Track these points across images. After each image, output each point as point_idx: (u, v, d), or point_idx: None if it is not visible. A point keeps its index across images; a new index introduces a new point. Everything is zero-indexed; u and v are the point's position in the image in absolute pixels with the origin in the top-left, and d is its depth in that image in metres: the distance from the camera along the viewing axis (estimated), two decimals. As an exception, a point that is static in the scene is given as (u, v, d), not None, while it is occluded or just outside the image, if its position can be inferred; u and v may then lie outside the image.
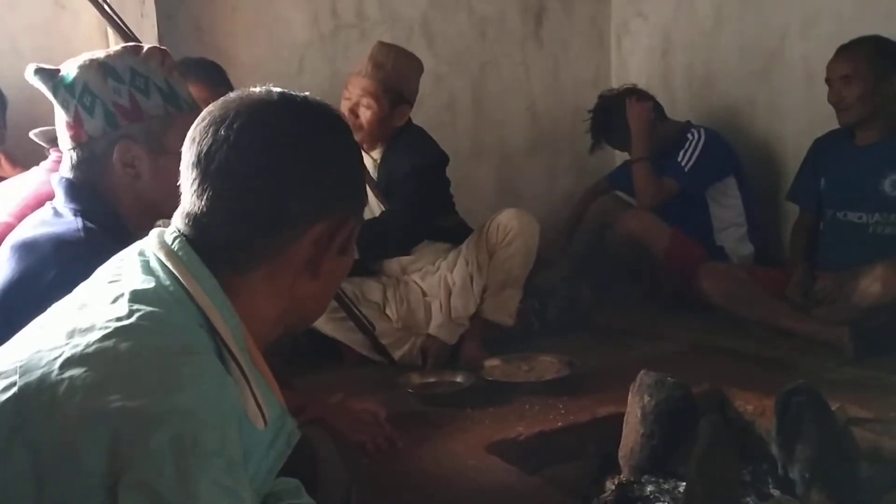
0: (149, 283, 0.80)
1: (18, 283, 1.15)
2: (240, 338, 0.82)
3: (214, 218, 0.84)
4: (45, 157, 1.85)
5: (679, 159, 2.91)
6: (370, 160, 2.57)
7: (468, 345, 2.50)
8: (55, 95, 1.27)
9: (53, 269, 1.13)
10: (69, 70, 1.27)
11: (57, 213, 1.24)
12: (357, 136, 2.44)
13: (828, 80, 2.59)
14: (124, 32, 2.16)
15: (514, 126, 3.54)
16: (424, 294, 2.56)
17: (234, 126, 0.84)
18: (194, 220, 0.85)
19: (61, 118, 1.29)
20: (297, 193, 0.85)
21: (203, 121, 0.87)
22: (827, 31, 2.81)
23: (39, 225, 1.23)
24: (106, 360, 0.73)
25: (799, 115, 2.98)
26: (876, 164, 2.53)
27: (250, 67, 2.89)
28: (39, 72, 1.28)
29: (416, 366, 2.43)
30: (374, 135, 2.50)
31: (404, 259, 2.60)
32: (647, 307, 2.96)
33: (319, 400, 1.54)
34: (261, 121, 0.85)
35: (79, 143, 1.27)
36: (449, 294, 2.53)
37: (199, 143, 0.85)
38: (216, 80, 2.47)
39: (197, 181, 0.85)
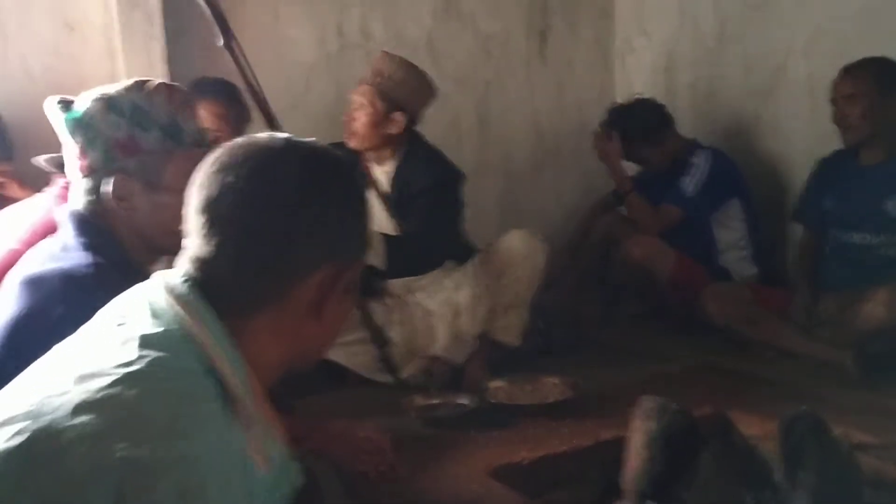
0: (156, 327, 0.81)
1: (26, 319, 1.16)
2: (245, 382, 0.83)
3: (221, 262, 0.86)
4: (55, 181, 1.89)
5: (682, 185, 2.90)
6: (382, 173, 2.58)
7: (472, 365, 2.51)
8: (64, 126, 1.30)
9: (61, 305, 1.13)
10: (82, 103, 1.29)
11: (65, 247, 1.25)
12: (350, 141, 2.51)
13: (832, 100, 2.59)
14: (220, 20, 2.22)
15: (519, 144, 3.55)
16: (429, 314, 2.56)
17: (242, 172, 0.86)
18: (202, 263, 0.87)
19: (70, 150, 1.31)
20: (304, 239, 0.87)
21: (211, 166, 0.88)
22: (830, 50, 2.82)
23: (47, 259, 1.23)
24: (113, 407, 0.74)
25: (804, 133, 2.98)
26: (880, 184, 2.53)
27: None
28: (60, 103, 1.30)
29: (419, 387, 2.44)
30: (368, 139, 2.52)
31: (409, 278, 2.60)
32: (652, 326, 2.97)
33: (322, 428, 1.54)
34: (268, 167, 0.87)
35: (84, 174, 1.29)
36: (455, 313, 2.54)
37: (207, 187, 0.87)
38: (229, 96, 2.51)
39: (205, 226, 0.86)
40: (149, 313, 0.83)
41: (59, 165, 1.78)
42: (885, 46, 2.57)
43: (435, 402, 2.27)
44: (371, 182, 2.57)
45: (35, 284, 1.19)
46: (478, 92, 3.43)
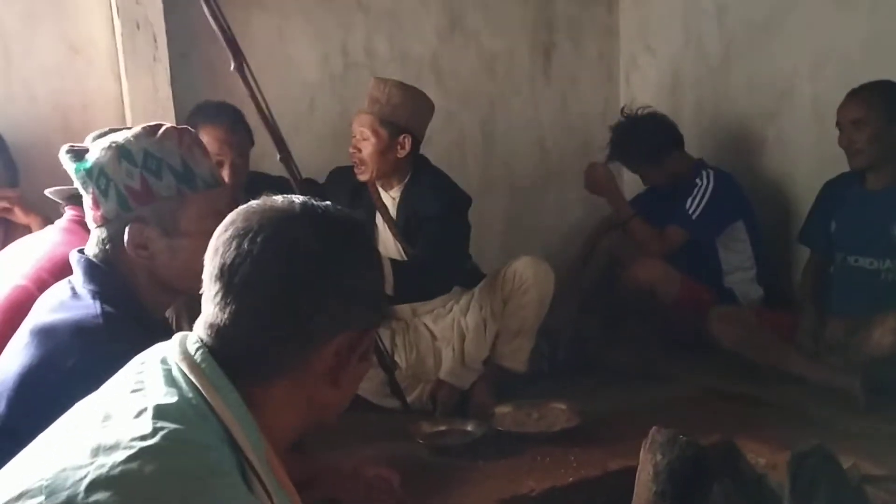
0: (172, 397, 0.80)
1: (38, 371, 1.16)
2: (261, 451, 0.83)
3: (237, 330, 0.85)
4: (60, 206, 1.88)
5: (687, 207, 2.88)
6: (388, 198, 2.58)
7: (478, 390, 2.50)
8: (76, 177, 1.30)
9: (73, 356, 1.13)
10: (93, 152, 1.29)
11: (75, 295, 1.24)
12: (361, 174, 2.50)
13: (839, 124, 2.58)
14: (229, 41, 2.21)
15: (524, 161, 3.54)
16: (434, 338, 2.56)
17: (258, 240, 0.85)
18: (217, 331, 0.86)
19: (84, 198, 1.31)
20: (320, 308, 0.86)
21: (226, 232, 0.88)
22: (836, 73, 2.82)
23: (58, 308, 1.23)
24: (130, 484, 0.73)
25: (809, 156, 2.97)
26: (887, 209, 2.52)
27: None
28: (70, 153, 1.30)
29: (426, 412, 2.43)
30: (378, 168, 2.50)
31: (415, 303, 2.60)
32: (657, 347, 2.95)
33: (331, 470, 1.53)
34: (284, 235, 0.86)
35: (98, 224, 1.29)
36: (462, 338, 2.53)
37: (222, 255, 0.86)
38: (233, 120, 2.50)
39: (220, 293, 0.86)
40: (163, 381, 0.82)
41: (67, 197, 1.78)
42: (887, 70, 2.56)
43: (442, 428, 2.26)
44: (379, 207, 2.57)
45: (46, 335, 1.19)
46: (482, 110, 3.42)
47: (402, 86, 2.54)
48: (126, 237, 1.26)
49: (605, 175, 3.00)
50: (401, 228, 2.54)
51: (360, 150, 2.49)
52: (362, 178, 2.52)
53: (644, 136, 3.00)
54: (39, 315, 1.24)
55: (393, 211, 2.57)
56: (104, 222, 1.28)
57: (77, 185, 1.31)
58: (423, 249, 2.46)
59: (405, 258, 2.49)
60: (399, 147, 2.50)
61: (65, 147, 1.31)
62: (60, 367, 1.12)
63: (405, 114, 2.51)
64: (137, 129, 1.31)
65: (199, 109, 2.50)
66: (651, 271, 2.84)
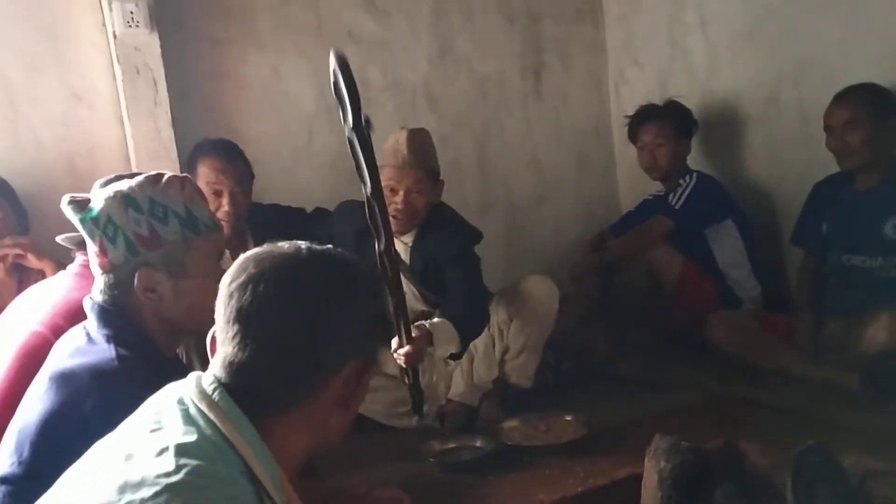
0: (191, 436, 0.86)
1: (59, 415, 1.21)
2: (277, 481, 0.89)
3: (255, 368, 0.92)
4: (71, 252, 1.94)
5: (670, 200, 3.06)
6: (401, 245, 2.54)
7: (486, 406, 2.55)
8: (82, 226, 1.36)
9: (92, 400, 1.18)
10: (97, 201, 1.35)
11: (90, 340, 1.30)
12: (408, 226, 2.48)
13: (827, 127, 2.63)
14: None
15: (520, 180, 3.61)
16: (447, 364, 2.59)
17: (271, 284, 0.93)
18: (235, 369, 0.93)
19: (90, 246, 1.37)
20: (330, 343, 0.94)
21: (239, 278, 0.95)
22: (819, 77, 2.88)
23: (75, 353, 1.28)
24: None
25: (796, 159, 3.03)
26: (877, 208, 2.57)
27: (262, 142, 2.99)
28: (72, 203, 1.36)
29: (435, 430, 2.47)
30: (419, 220, 2.52)
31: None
32: (660, 354, 3.00)
33: (342, 492, 1.58)
34: (293, 278, 0.94)
35: (105, 270, 1.35)
36: (471, 359, 2.57)
37: (238, 299, 0.93)
38: (229, 151, 2.58)
39: (238, 335, 0.92)
40: (181, 420, 0.88)
41: (79, 244, 1.84)
42: (870, 73, 2.62)
43: (452, 445, 2.30)
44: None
45: (65, 380, 1.24)
46: (476, 133, 3.50)
47: (426, 132, 2.57)
48: (136, 281, 1.32)
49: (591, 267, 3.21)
50: (416, 273, 2.55)
51: (410, 206, 2.47)
52: (402, 229, 2.50)
53: (686, 109, 3.14)
54: (57, 361, 1.29)
55: (405, 256, 2.56)
56: (112, 268, 1.34)
57: (82, 233, 1.36)
58: (460, 300, 2.46)
59: (421, 301, 2.54)
60: (438, 192, 2.55)
61: (66, 198, 1.37)
62: (80, 410, 1.18)
63: (436, 158, 2.55)
64: (140, 178, 1.37)
65: (197, 147, 2.59)
66: (655, 252, 3.01)
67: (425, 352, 2.23)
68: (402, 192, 2.46)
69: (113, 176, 1.46)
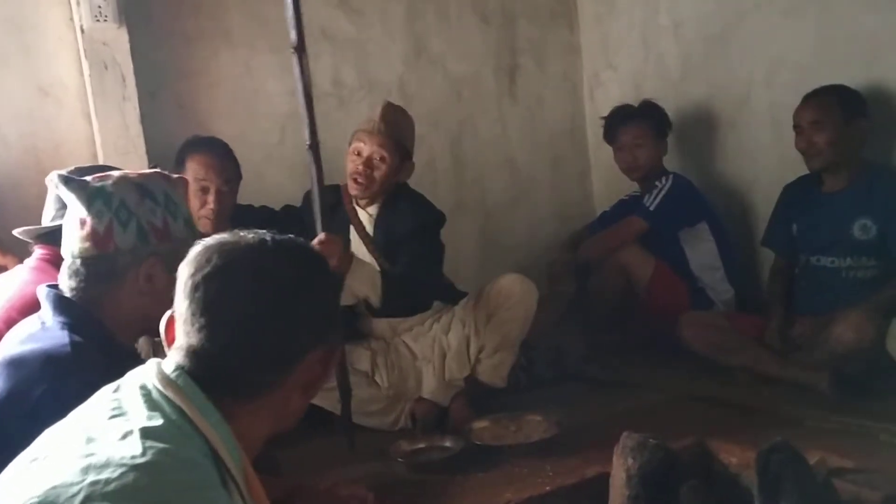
0: (156, 420, 0.85)
1: (7, 401, 1.18)
2: (240, 464, 0.89)
3: (222, 358, 0.92)
4: (29, 245, 1.90)
5: (645, 201, 3.07)
6: (365, 215, 2.62)
7: (457, 405, 2.53)
8: (89, 206, 1.32)
9: (42, 386, 1.16)
10: (103, 183, 1.34)
11: (44, 327, 1.27)
12: (364, 191, 2.53)
13: (796, 127, 2.66)
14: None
15: (494, 180, 3.61)
16: (415, 358, 2.58)
17: (239, 275, 0.93)
18: (197, 355, 0.92)
19: (82, 227, 1.33)
20: (294, 330, 0.94)
21: (204, 268, 0.94)
22: (789, 79, 2.91)
23: (27, 340, 1.26)
24: (127, 497, 0.77)
25: (768, 160, 3.06)
26: (844, 209, 2.59)
27: (232, 140, 2.94)
28: (70, 182, 1.34)
29: (405, 430, 2.45)
30: (382, 189, 2.57)
31: (395, 320, 2.63)
32: (632, 355, 3.00)
33: (305, 489, 1.56)
34: (259, 266, 0.95)
35: (102, 252, 1.32)
36: (443, 356, 2.56)
37: (204, 291, 0.92)
38: (220, 150, 2.59)
39: (206, 327, 0.92)
40: (144, 405, 0.87)
41: (37, 237, 1.81)
42: (840, 75, 2.65)
43: (421, 445, 2.29)
44: (355, 224, 2.61)
45: (15, 366, 1.22)
46: (451, 133, 3.49)
47: (407, 113, 2.63)
48: (142, 268, 1.32)
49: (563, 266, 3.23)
50: (379, 245, 2.58)
51: (371, 170, 2.52)
52: (359, 192, 2.55)
53: (662, 110, 3.15)
54: (8, 347, 1.27)
55: (369, 228, 2.61)
56: (114, 251, 1.32)
57: (81, 208, 1.33)
58: (404, 265, 2.50)
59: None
60: (404, 171, 2.58)
61: (58, 174, 1.35)
62: (29, 396, 1.15)
63: (412, 139, 2.61)
64: (150, 172, 1.40)
65: (188, 143, 2.58)
66: (627, 254, 3.00)
67: (338, 255, 2.21)
68: (365, 156, 2.52)
69: (100, 164, 1.45)
